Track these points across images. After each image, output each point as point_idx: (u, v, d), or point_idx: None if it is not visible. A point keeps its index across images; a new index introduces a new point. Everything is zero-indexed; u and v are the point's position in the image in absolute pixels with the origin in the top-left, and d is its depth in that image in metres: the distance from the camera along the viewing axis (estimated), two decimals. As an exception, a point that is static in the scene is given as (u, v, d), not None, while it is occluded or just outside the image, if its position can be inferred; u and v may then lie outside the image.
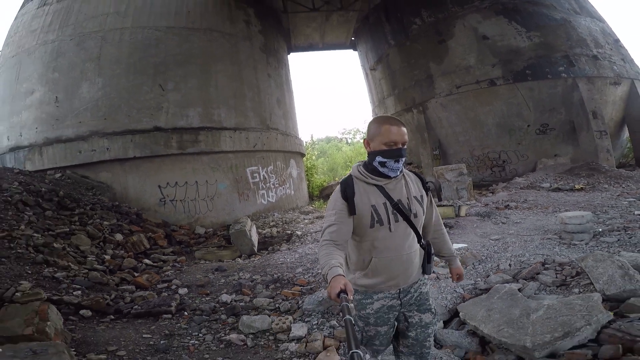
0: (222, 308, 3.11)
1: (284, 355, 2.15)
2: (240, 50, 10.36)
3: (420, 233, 1.49)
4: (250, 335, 2.48)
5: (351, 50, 17.24)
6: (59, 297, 3.39)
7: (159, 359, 2.38)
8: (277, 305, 3.03)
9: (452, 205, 5.44)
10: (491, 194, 8.12)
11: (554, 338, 1.90)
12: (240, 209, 8.59)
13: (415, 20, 12.13)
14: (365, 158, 1.52)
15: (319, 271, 1.21)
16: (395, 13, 12.93)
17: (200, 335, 2.63)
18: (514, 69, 9.84)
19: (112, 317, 3.27)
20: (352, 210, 1.38)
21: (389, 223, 1.41)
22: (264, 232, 7.25)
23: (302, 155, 12.49)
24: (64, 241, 4.97)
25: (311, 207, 10.32)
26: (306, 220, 8.21)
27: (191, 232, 7.09)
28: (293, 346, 2.21)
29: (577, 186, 7.21)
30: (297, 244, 5.90)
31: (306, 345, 2.17)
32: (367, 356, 1.63)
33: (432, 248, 1.55)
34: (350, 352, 0.91)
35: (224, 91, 9.40)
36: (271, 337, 2.44)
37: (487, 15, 10.72)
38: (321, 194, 13.73)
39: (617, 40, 10.79)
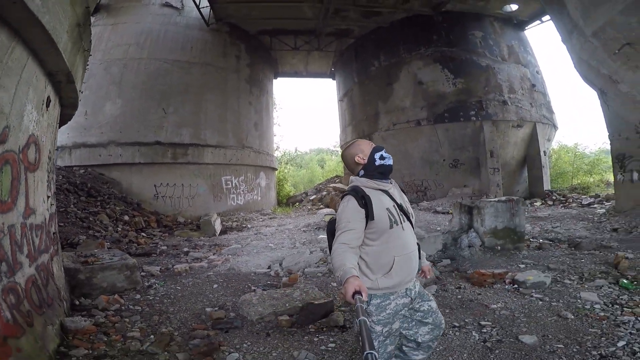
0: (183, 254, 6.59)
1: (202, 262, 5.63)
2: (228, 82, 13.89)
3: None
4: (191, 260, 5.96)
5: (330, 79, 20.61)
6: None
7: (149, 264, 5.83)
8: (212, 252, 6.52)
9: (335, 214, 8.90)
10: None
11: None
12: (213, 207, 12.06)
13: (374, 62, 15.26)
14: (357, 176, 1.80)
15: (336, 275, 1.49)
16: (362, 54, 16.00)
17: (169, 260, 6.09)
18: (436, 111, 12.98)
19: (126, 254, 6.74)
20: (371, 215, 1.61)
21: (402, 222, 1.70)
22: (227, 224, 10.72)
23: (273, 169, 16.01)
24: (94, 217, 8.46)
25: (270, 211, 13.77)
26: (260, 220, 11.68)
27: (174, 220, 10.58)
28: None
29: (450, 210, 10.61)
30: (243, 232, 9.39)
31: (210, 259, 5.68)
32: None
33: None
34: (365, 353, 1.00)
35: (211, 116, 12.93)
36: (201, 259, 5.93)
37: (427, 63, 13.67)
38: (288, 201, 17.26)
39: (533, 85, 13.48)
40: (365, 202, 1.63)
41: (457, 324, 3.08)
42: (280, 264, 5.51)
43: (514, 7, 13.63)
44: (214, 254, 6.37)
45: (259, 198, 14.21)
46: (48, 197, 3.15)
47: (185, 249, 6.87)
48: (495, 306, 3.41)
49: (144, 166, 11.37)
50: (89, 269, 4.07)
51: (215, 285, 4.49)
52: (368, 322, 1.21)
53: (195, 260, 5.96)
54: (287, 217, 12.31)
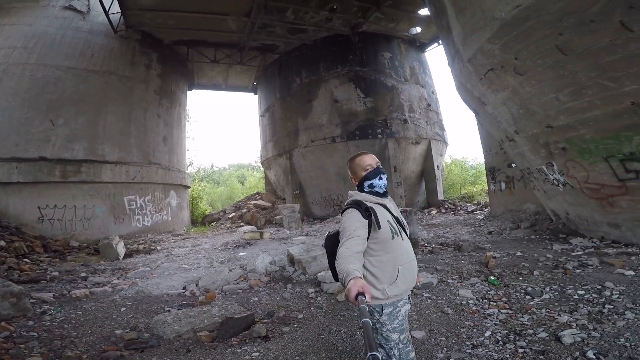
0: (80, 279, 6.04)
1: (105, 286, 5.30)
2: (134, 93, 13.04)
3: None
4: (92, 285, 5.55)
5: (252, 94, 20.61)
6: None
7: (38, 291, 5.24)
8: (116, 276, 6.13)
9: (257, 232, 9.19)
10: (318, 224, 12.25)
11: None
12: (115, 229, 11.07)
13: (296, 79, 15.94)
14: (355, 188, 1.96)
15: (340, 277, 1.56)
16: (285, 70, 16.56)
17: (64, 286, 5.54)
18: (349, 129, 14.19)
19: (3, 288, 5.89)
20: (378, 225, 1.74)
21: (400, 234, 1.84)
22: (132, 247, 9.99)
23: (186, 187, 15.38)
24: (-45, 246, 7.12)
25: (183, 232, 13.20)
26: (172, 241, 11.15)
27: (66, 244, 9.45)
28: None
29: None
30: (152, 255, 8.89)
31: (114, 283, 5.39)
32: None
33: None
34: (368, 354, 1.00)
35: (110, 129, 11.93)
36: (103, 284, 5.56)
37: (342, 82, 14.78)
38: (203, 220, 16.67)
39: (429, 105, 15.57)
40: (369, 213, 1.76)
41: (360, 325, 3.56)
42: (197, 284, 5.50)
43: (419, 29, 15.63)
44: (118, 278, 6.03)
45: (169, 218, 13.48)
46: None
47: (83, 274, 6.33)
48: (393, 306, 4.04)
49: (25, 186, 9.94)
50: (-38, 300, 3.61)
51: (123, 309, 4.33)
52: (371, 324, 1.22)
53: (97, 285, 5.57)
54: (203, 237, 11.95)
